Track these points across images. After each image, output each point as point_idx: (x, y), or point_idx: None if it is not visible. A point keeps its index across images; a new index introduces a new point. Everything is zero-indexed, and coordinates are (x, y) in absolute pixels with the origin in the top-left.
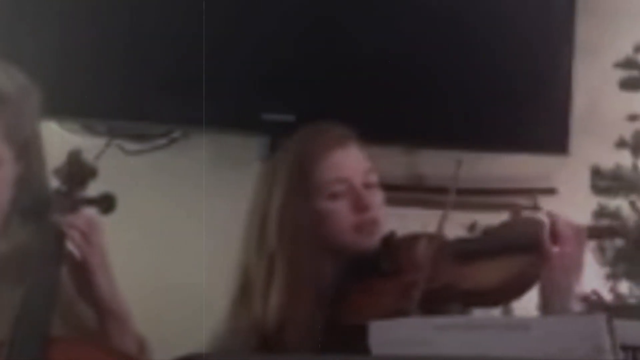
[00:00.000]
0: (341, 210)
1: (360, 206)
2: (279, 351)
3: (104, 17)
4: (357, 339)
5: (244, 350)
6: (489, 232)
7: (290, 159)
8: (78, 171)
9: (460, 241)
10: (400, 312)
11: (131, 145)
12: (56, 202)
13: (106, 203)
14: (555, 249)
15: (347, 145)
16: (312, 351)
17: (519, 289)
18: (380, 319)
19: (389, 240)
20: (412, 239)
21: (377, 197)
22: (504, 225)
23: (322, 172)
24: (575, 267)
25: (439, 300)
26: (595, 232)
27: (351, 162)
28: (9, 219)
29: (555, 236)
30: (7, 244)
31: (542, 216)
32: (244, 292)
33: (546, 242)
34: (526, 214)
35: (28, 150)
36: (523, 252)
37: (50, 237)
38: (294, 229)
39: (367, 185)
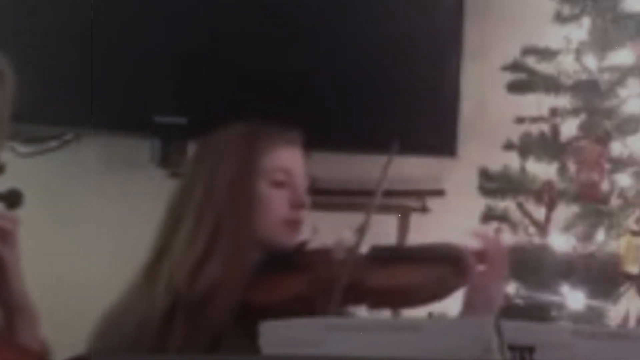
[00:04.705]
0: (279, 201)
1: (296, 202)
2: (200, 322)
3: None
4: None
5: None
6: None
7: (236, 145)
8: None
9: (379, 248)
10: (318, 310)
11: (23, 148)
12: None
13: (12, 198)
14: (479, 266)
15: (293, 148)
16: (228, 329)
17: (430, 296)
18: (294, 315)
19: (302, 249)
20: (326, 252)
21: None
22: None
23: (269, 159)
24: (498, 284)
25: (346, 300)
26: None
27: (296, 160)
28: None
29: (482, 253)
30: None
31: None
32: (158, 267)
33: (468, 258)
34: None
35: None
36: (443, 263)
37: None
38: (241, 202)
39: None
